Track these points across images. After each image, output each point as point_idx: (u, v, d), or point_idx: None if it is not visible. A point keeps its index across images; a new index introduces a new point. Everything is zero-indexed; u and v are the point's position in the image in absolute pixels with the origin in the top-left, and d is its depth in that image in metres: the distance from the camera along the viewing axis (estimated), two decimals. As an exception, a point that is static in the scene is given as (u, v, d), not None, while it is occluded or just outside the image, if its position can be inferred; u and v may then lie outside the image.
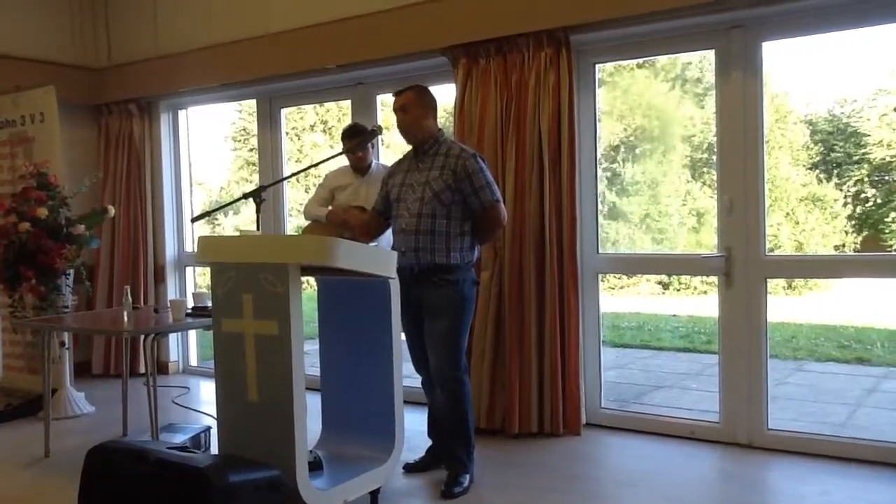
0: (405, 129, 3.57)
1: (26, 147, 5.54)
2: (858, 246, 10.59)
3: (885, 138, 10.32)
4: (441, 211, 3.47)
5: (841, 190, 10.84)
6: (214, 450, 3.33)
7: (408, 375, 3.57)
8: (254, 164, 10.21)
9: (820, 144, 11.11)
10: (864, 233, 10.65)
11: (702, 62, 9.91)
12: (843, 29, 3.92)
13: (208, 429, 4.18)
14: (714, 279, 4.29)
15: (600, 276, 4.64)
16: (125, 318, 4.09)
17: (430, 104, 3.62)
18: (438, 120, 3.71)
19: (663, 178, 11.02)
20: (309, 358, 3.17)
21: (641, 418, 4.57)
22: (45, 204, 4.92)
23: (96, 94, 6.41)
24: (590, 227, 4.51)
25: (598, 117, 4.58)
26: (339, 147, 4.43)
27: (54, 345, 4.79)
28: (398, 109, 3.56)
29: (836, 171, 10.90)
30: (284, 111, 6.02)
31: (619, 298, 10.81)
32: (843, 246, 10.64)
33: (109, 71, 6.41)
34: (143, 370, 5.59)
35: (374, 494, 3.22)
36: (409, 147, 3.66)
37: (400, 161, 3.74)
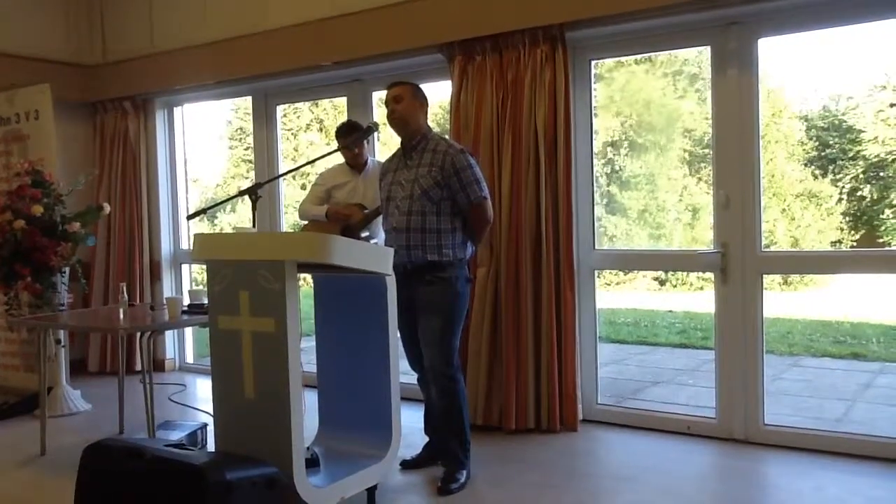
0: (397, 119, 3.55)
1: (21, 145, 5.53)
2: (855, 242, 10.61)
3: (881, 135, 10.33)
4: (431, 208, 3.46)
5: (836, 186, 10.85)
6: (211, 447, 3.33)
7: (404, 372, 3.57)
8: (250, 162, 10.20)
9: (815, 140, 11.12)
10: (861, 229, 10.67)
11: (698, 57, 9.91)
12: (838, 25, 3.92)
13: (205, 426, 4.18)
14: (710, 275, 4.30)
15: (596, 273, 4.64)
16: (121, 316, 4.09)
17: (422, 100, 3.62)
18: (435, 116, 3.71)
19: (659, 174, 11.03)
20: (305, 355, 3.17)
21: (638, 414, 4.57)
22: (41, 201, 4.91)
23: (91, 92, 6.40)
24: (586, 223, 4.52)
25: (594, 113, 4.58)
26: (335, 145, 4.43)
27: (50, 342, 4.78)
28: (391, 100, 3.56)
29: (831, 168, 10.91)
30: (280, 108, 6.02)
31: (615, 294, 10.82)
32: (840, 242, 10.66)
33: (105, 68, 6.39)
34: (139, 368, 5.58)
35: (371, 491, 3.22)
36: (400, 144, 3.66)
37: (390, 159, 3.74)
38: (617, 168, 10.85)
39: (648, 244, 10.99)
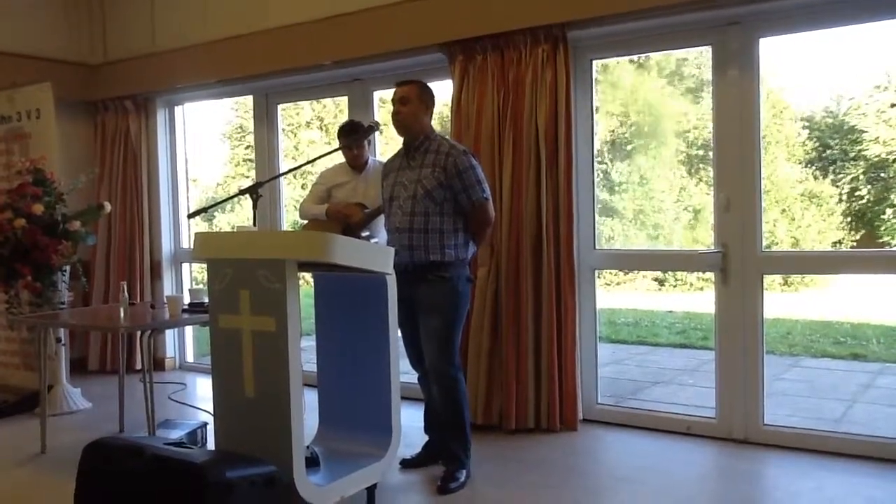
0: (401, 121, 3.55)
1: (23, 143, 5.52)
2: (855, 243, 10.61)
3: (881, 135, 10.33)
4: (433, 209, 3.47)
5: (837, 186, 10.85)
6: (211, 446, 3.34)
7: (405, 371, 3.57)
8: (250, 161, 10.21)
9: (816, 141, 11.12)
10: (861, 229, 10.67)
11: (697, 58, 9.90)
12: (839, 25, 3.92)
13: (205, 425, 4.19)
14: (710, 275, 4.30)
15: (597, 273, 4.64)
16: (121, 315, 4.10)
17: (430, 102, 3.61)
18: (436, 116, 3.70)
19: (658, 175, 11.02)
20: (306, 354, 3.17)
21: (638, 414, 4.58)
22: (42, 200, 4.91)
23: (93, 91, 6.40)
24: (586, 223, 4.52)
25: (595, 113, 4.58)
26: (336, 144, 4.44)
27: (50, 341, 4.79)
28: (397, 100, 3.55)
29: (832, 168, 10.91)
30: (281, 107, 6.02)
31: (615, 294, 10.82)
32: (840, 242, 10.66)
33: (106, 67, 6.40)
34: (139, 366, 5.58)
35: (371, 490, 3.22)
36: (402, 144, 3.66)
37: (392, 159, 3.74)
38: (614, 168, 10.84)
39: (647, 245, 10.99)
